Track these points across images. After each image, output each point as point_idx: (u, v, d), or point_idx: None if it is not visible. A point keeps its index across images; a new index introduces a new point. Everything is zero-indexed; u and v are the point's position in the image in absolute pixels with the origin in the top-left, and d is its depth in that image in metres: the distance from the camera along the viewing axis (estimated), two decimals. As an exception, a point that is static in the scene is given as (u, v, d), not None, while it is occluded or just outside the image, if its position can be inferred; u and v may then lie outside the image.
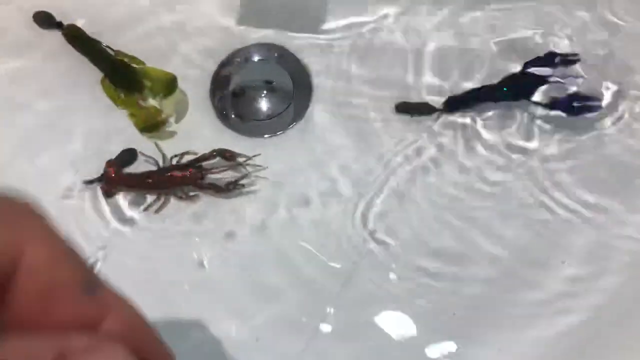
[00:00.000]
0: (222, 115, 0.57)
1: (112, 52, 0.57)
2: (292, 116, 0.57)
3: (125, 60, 0.56)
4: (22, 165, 0.55)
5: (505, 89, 0.53)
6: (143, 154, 0.55)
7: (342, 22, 0.58)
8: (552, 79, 0.52)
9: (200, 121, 0.56)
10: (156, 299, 0.49)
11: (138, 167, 0.55)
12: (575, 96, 0.52)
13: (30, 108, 0.56)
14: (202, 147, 0.54)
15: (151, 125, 0.54)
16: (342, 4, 0.58)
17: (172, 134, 0.56)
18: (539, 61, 0.53)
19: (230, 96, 0.57)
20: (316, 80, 0.57)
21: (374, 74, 0.56)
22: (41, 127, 0.56)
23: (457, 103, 0.54)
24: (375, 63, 0.56)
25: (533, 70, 0.52)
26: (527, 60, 0.53)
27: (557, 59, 0.52)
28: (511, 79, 0.53)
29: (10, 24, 0.59)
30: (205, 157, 0.53)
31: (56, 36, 0.58)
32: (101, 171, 0.53)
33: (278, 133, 0.56)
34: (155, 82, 0.54)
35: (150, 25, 0.59)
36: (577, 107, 0.51)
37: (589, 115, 0.52)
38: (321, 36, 0.58)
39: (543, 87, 0.53)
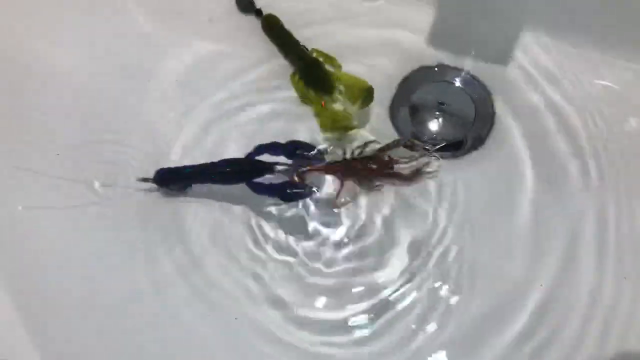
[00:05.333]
0: (399, 131, 0.58)
1: (306, 49, 0.58)
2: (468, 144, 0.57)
3: (321, 59, 0.57)
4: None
5: (227, 169, 0.52)
6: (328, 148, 0.55)
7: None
8: (279, 167, 0.52)
9: (378, 131, 0.57)
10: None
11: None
12: (289, 184, 0.52)
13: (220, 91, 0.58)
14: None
15: (337, 128, 0.55)
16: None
17: (351, 139, 0.57)
18: (271, 148, 0.52)
19: (409, 112, 0.58)
20: (499, 114, 0.57)
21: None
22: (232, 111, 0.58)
23: (169, 175, 0.53)
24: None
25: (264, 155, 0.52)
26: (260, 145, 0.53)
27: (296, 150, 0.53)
28: (234, 162, 0.52)
29: (213, 5, 0.60)
30: (389, 147, 0.54)
31: (253, 23, 0.60)
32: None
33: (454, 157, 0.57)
34: (351, 88, 0.55)
35: (351, 31, 0.60)
36: (290, 193, 0.52)
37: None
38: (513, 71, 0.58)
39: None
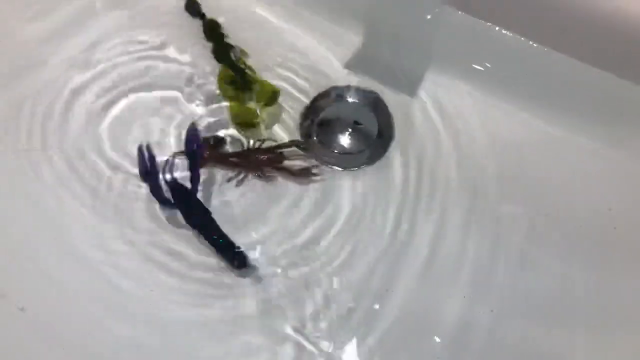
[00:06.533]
0: (305, 137, 0.64)
1: (236, 54, 0.65)
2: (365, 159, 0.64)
3: (242, 66, 0.64)
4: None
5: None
6: (231, 137, 0.63)
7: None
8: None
9: (285, 134, 0.64)
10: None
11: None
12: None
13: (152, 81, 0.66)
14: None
15: (245, 123, 0.62)
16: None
17: (258, 134, 0.63)
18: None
19: (317, 124, 0.65)
20: (398, 133, 0.64)
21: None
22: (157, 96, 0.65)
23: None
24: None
25: None
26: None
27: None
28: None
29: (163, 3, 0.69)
30: (283, 145, 0.61)
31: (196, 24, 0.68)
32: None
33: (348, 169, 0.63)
34: (262, 91, 0.62)
35: (274, 40, 0.67)
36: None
37: None
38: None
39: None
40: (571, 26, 0.58)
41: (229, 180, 0.61)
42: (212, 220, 0.57)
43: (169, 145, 0.62)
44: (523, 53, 0.63)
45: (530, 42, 0.62)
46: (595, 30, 0.57)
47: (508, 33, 0.62)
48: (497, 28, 0.62)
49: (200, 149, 0.59)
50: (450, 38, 0.65)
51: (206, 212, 0.57)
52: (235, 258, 0.56)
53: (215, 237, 0.56)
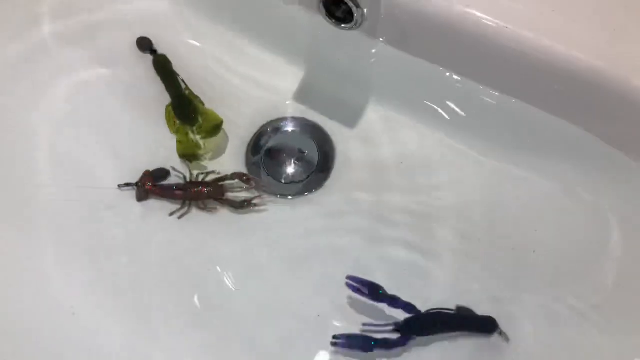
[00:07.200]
0: (252, 165, 0.67)
1: (184, 86, 0.68)
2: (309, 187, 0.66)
3: (191, 98, 0.67)
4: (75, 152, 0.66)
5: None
6: (175, 169, 0.65)
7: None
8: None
9: (231, 164, 0.67)
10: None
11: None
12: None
13: (103, 109, 0.69)
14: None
15: (190, 155, 0.65)
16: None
17: (203, 167, 0.66)
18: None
19: (264, 153, 0.67)
20: (338, 162, 0.66)
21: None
22: (109, 126, 0.68)
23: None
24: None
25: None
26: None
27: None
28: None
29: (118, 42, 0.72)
30: (226, 177, 0.64)
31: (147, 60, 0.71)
32: (136, 177, 0.64)
33: (290, 197, 0.65)
34: (206, 122, 0.65)
35: (221, 73, 0.70)
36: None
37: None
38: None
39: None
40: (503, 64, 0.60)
41: (172, 214, 0.63)
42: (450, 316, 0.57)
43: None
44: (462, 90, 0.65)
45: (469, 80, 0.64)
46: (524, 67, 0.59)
47: (448, 72, 0.64)
48: (440, 68, 0.65)
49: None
50: (391, 75, 0.67)
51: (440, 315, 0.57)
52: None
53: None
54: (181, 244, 0.62)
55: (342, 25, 0.61)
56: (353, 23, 0.60)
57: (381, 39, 0.63)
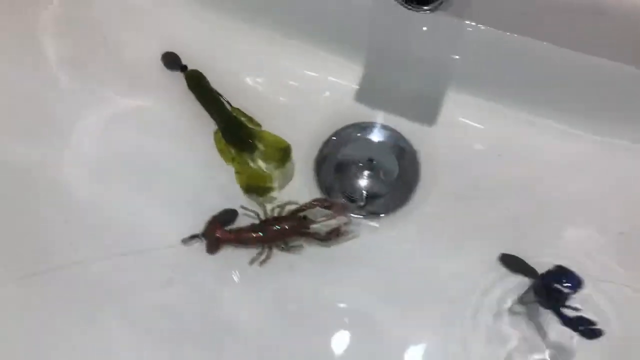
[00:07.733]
0: (325, 189, 0.56)
1: (230, 107, 0.57)
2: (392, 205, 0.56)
3: (243, 119, 0.56)
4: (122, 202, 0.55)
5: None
6: (245, 208, 0.54)
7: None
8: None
9: (302, 190, 0.56)
10: None
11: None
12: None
13: (139, 146, 0.57)
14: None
15: (257, 188, 0.54)
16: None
17: (272, 199, 0.55)
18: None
19: (333, 171, 0.57)
20: (424, 174, 0.57)
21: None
22: (148, 167, 0.56)
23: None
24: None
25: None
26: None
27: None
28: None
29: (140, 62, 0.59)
30: (306, 207, 0.53)
31: (179, 79, 0.59)
32: (200, 225, 0.53)
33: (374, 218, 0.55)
34: (270, 148, 0.54)
35: (273, 87, 0.59)
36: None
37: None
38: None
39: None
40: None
41: (252, 262, 0.53)
42: None
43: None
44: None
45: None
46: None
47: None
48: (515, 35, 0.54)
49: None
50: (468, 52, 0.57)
51: None
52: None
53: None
54: (284, 296, 0.52)
55: (424, 8, 0.50)
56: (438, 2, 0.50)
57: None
